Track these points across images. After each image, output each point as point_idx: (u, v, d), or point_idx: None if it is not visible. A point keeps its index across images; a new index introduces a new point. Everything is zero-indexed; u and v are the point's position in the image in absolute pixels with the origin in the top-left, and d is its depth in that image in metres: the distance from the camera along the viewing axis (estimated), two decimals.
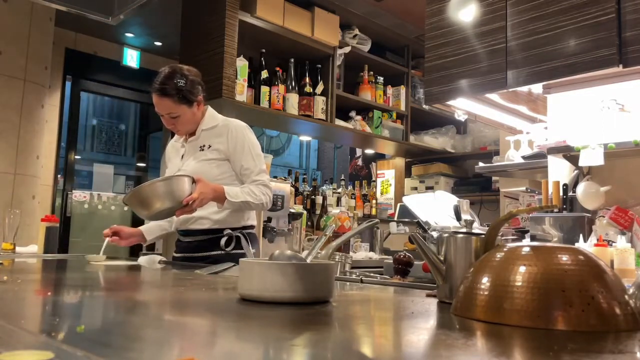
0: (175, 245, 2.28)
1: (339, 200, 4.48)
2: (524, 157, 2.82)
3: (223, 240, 2.10)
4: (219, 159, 2.15)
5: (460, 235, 1.01)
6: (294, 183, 4.22)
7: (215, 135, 2.18)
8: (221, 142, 2.15)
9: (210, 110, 2.25)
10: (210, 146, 2.16)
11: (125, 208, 5.60)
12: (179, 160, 2.25)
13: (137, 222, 5.66)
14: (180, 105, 2.09)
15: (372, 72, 4.41)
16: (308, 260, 1.08)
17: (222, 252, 2.09)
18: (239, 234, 2.15)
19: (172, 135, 2.42)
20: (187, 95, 2.10)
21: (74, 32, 4.92)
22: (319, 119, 3.88)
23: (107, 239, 2.10)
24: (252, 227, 2.23)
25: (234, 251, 2.09)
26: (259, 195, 2.10)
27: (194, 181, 1.94)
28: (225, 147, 2.15)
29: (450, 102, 2.63)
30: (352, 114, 4.26)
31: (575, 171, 2.49)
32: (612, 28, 2.03)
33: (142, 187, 1.88)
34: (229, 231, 2.13)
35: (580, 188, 2.35)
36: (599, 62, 2.05)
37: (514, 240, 2.47)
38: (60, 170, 4.99)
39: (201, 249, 2.15)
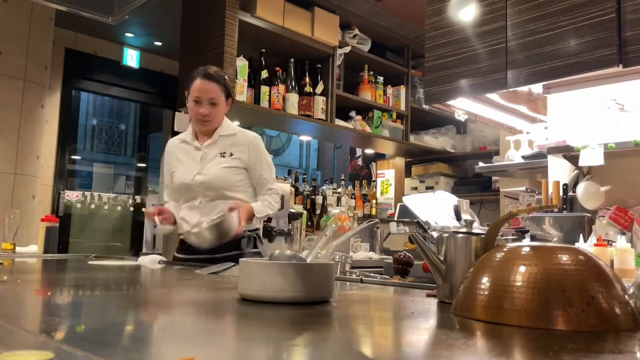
0: (187, 246, 2.26)
1: (339, 200, 4.48)
2: (524, 157, 2.82)
3: (244, 241, 2.23)
4: (239, 167, 2.28)
5: (460, 235, 1.01)
6: (294, 183, 4.22)
7: (235, 144, 2.29)
8: (242, 152, 2.28)
9: (225, 118, 2.37)
10: (232, 154, 2.28)
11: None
12: (194, 163, 2.30)
13: (136, 222, 5.67)
14: (222, 94, 2.25)
15: (372, 72, 4.41)
16: (308, 260, 1.08)
17: (240, 251, 2.18)
18: (255, 235, 2.31)
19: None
20: (229, 88, 2.30)
21: (74, 32, 4.92)
22: (319, 119, 3.88)
23: (157, 220, 2.14)
24: (258, 229, 2.39)
25: (252, 250, 2.28)
26: (275, 205, 2.32)
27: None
28: (246, 158, 2.28)
29: (450, 102, 2.63)
30: (352, 113, 4.26)
31: (575, 171, 2.49)
32: (612, 28, 2.03)
33: (201, 233, 2.06)
34: (249, 233, 2.27)
35: (580, 188, 2.35)
36: (599, 62, 2.05)
37: (514, 240, 2.47)
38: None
39: (219, 250, 2.16)
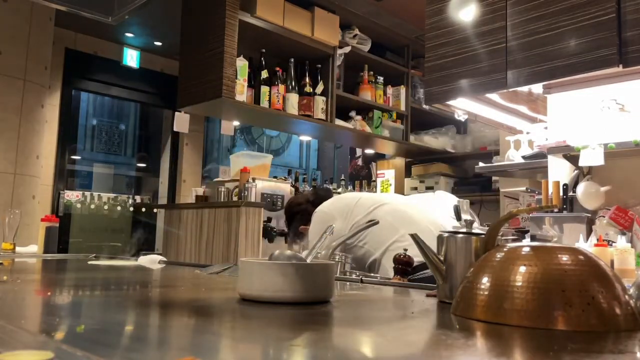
0: None
1: None
2: (524, 157, 2.82)
3: None
4: None
5: (460, 235, 1.01)
6: (294, 183, 4.22)
7: None
8: None
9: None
10: None
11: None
12: None
13: (137, 224, 5.67)
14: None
15: (372, 72, 4.41)
16: (308, 260, 1.08)
17: None
18: None
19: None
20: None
21: (74, 32, 4.92)
22: (319, 119, 3.88)
23: None
24: None
25: None
26: None
27: None
28: None
29: (450, 102, 2.63)
30: (352, 114, 4.26)
31: (575, 171, 2.49)
32: (612, 28, 2.02)
33: None
34: None
35: (580, 188, 2.35)
36: (599, 62, 2.05)
37: (514, 240, 2.47)
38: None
39: None
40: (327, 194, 2.34)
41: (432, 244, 1.04)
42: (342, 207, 2.13)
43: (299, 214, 2.31)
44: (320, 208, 2.16)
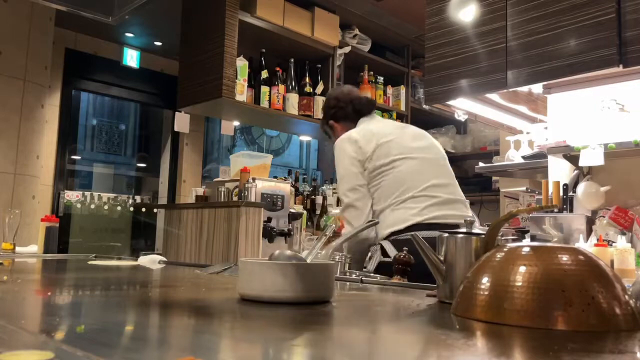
0: None
1: (339, 200, 4.47)
2: (524, 157, 2.82)
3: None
4: None
5: (460, 235, 1.01)
6: (294, 183, 4.21)
7: None
8: None
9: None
10: None
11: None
12: None
13: (137, 224, 5.67)
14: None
15: (372, 72, 4.41)
16: (308, 260, 1.08)
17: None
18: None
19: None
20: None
21: (74, 32, 4.91)
22: (319, 119, 3.88)
23: None
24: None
25: None
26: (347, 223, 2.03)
27: None
28: None
29: (450, 102, 2.63)
30: None
31: (575, 171, 2.49)
32: (612, 28, 2.03)
33: None
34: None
35: (580, 188, 2.35)
36: (599, 62, 2.05)
37: (514, 240, 2.47)
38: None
39: None
40: (370, 104, 2.24)
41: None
42: (369, 137, 2.04)
43: (334, 108, 2.25)
44: (345, 135, 2.09)
